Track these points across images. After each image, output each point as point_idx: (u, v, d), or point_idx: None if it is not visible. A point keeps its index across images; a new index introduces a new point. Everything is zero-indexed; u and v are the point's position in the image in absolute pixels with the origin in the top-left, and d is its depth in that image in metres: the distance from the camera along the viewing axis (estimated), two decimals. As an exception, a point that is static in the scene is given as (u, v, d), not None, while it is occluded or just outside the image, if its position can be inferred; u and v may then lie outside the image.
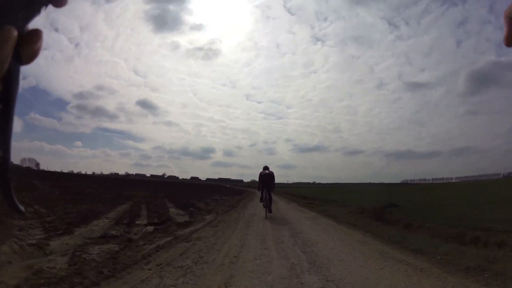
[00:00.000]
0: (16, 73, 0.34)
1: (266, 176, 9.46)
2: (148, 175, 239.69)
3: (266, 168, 9.63)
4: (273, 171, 9.62)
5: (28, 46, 0.33)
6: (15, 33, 0.31)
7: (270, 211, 9.21)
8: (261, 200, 9.47)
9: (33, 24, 0.34)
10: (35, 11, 0.33)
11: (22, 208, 0.38)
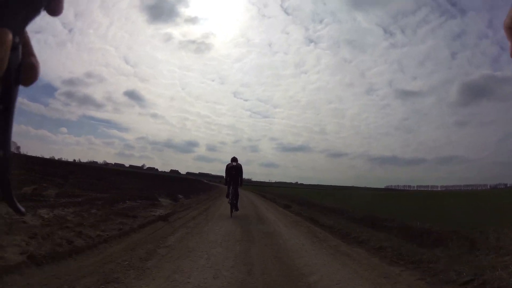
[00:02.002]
0: (16, 74, 0.33)
1: (233, 169, 8.28)
2: (127, 165, 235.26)
3: (234, 159, 8.45)
4: (241, 164, 8.42)
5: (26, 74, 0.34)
6: (9, 35, 0.30)
7: (237, 209, 8.13)
8: (227, 196, 8.29)
9: (32, 24, 0.33)
10: (35, 12, 0.33)
11: (22, 208, 0.36)
